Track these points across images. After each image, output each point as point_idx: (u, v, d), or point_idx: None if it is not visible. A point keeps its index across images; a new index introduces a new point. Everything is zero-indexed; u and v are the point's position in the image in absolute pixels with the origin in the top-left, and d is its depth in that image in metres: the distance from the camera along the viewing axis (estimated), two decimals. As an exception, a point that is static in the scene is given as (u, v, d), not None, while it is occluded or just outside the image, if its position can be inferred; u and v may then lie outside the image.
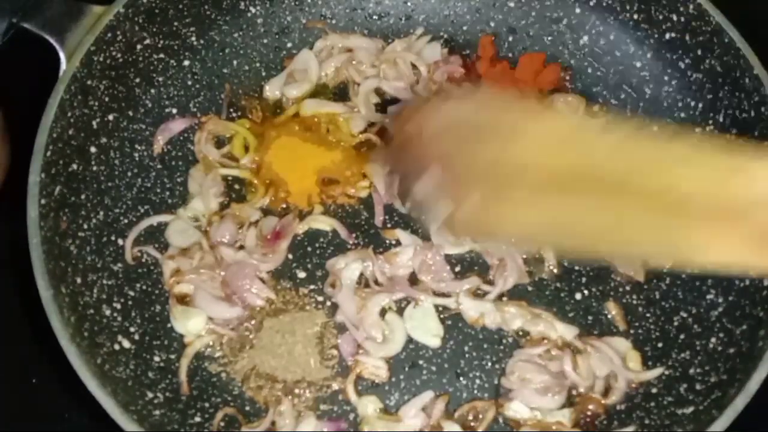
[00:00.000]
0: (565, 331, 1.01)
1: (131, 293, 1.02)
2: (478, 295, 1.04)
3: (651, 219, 0.56)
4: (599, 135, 0.61)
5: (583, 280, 1.06)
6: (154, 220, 1.08)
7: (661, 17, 1.13)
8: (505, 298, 1.04)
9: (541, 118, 0.66)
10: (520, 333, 1.02)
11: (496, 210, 0.61)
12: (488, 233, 0.64)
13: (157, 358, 0.99)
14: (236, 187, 1.13)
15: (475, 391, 0.99)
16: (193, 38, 1.17)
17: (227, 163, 1.14)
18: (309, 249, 1.08)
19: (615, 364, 0.98)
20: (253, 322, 1.02)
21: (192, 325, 1.01)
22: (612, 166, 0.57)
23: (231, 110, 1.18)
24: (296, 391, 0.98)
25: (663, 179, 0.55)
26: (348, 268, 1.04)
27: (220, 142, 1.16)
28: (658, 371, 0.99)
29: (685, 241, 0.57)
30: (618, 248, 0.72)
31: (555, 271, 1.06)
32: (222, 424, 0.95)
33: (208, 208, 1.10)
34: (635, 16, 1.17)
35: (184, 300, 1.03)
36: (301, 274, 1.06)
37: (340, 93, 1.21)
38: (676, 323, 1.03)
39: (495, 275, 1.05)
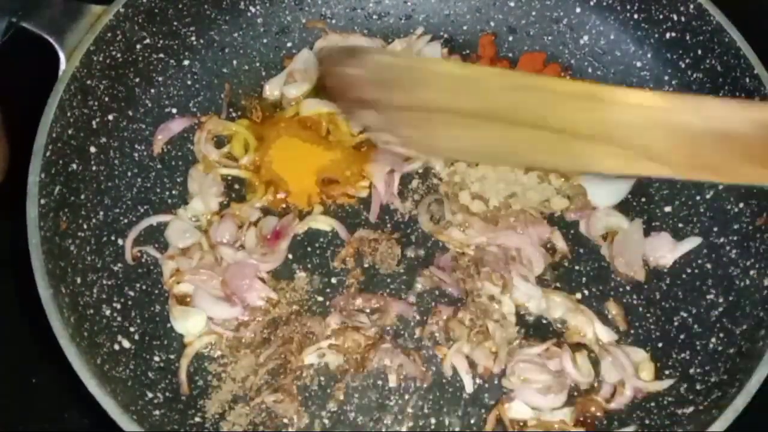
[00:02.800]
0: (604, 333, 1.02)
1: (131, 293, 1.02)
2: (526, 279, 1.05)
3: (547, 140, 0.68)
4: (492, 79, 0.73)
5: (584, 280, 1.06)
6: (154, 220, 1.08)
7: (661, 17, 1.13)
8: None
9: (442, 67, 0.81)
10: (559, 323, 1.03)
11: (427, 135, 0.75)
12: (426, 150, 0.82)
13: (156, 358, 0.99)
14: (236, 187, 1.13)
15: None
16: (193, 38, 1.17)
17: (227, 163, 1.14)
18: (309, 249, 1.08)
19: (626, 372, 0.98)
20: (254, 322, 1.02)
21: (192, 325, 1.01)
22: (507, 100, 0.69)
23: (231, 110, 1.18)
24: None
25: (547, 108, 0.67)
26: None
27: (219, 142, 1.16)
28: (668, 383, 0.98)
29: (579, 155, 0.68)
30: (529, 162, 0.86)
31: (565, 262, 1.07)
32: (221, 423, 0.96)
33: (208, 208, 1.10)
34: (635, 16, 1.17)
35: (184, 300, 1.03)
36: (301, 274, 1.06)
37: (340, 93, 1.21)
38: (676, 323, 1.03)
39: (518, 264, 1.06)
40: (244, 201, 1.11)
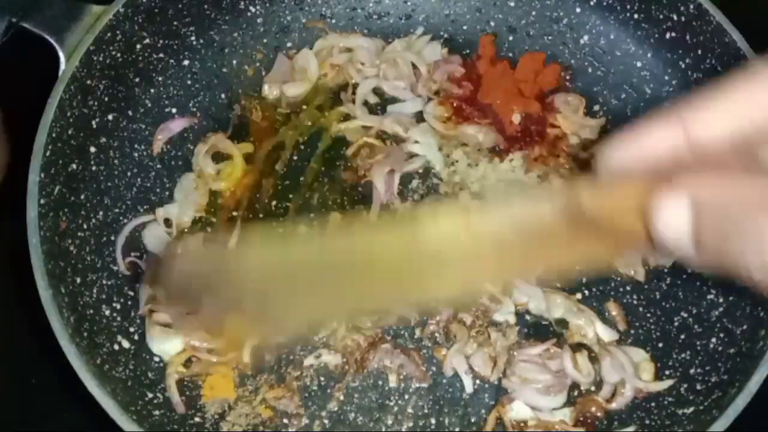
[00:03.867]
0: (605, 333, 1.02)
1: (131, 293, 1.02)
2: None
3: (379, 285, 0.65)
4: (305, 244, 0.72)
5: (584, 279, 1.06)
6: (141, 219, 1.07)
7: (661, 16, 1.13)
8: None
9: (255, 250, 0.74)
10: (559, 323, 1.03)
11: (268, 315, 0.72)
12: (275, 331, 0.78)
13: (156, 359, 0.99)
14: (219, 201, 1.11)
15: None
16: (193, 38, 1.17)
17: (217, 180, 1.12)
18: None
19: (626, 373, 0.98)
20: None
21: (170, 347, 0.98)
22: (330, 260, 0.65)
23: (234, 121, 1.17)
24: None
25: (368, 258, 0.63)
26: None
27: (218, 157, 1.14)
28: (668, 383, 0.98)
29: (416, 290, 0.67)
30: (372, 309, 0.86)
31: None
32: (221, 424, 0.96)
33: (180, 219, 1.08)
34: (635, 16, 1.17)
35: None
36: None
37: (340, 93, 1.21)
38: (676, 323, 1.03)
39: None
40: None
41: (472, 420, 0.97)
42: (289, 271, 0.67)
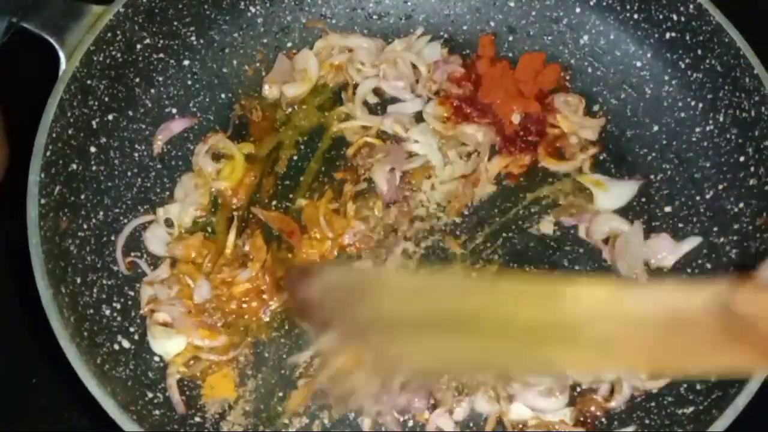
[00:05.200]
0: None
1: (131, 293, 1.02)
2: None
3: (508, 346, 0.64)
4: (446, 283, 0.71)
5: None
6: (142, 219, 1.07)
7: (661, 17, 1.13)
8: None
9: (396, 277, 0.79)
10: None
11: (387, 352, 0.70)
12: (389, 371, 0.75)
13: (156, 358, 0.99)
14: (219, 201, 1.11)
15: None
16: (193, 38, 1.17)
17: (218, 180, 1.11)
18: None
19: None
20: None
21: (172, 347, 0.98)
22: (466, 307, 0.65)
23: (236, 124, 1.17)
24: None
25: (505, 313, 0.63)
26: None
27: (218, 156, 1.14)
28: (665, 381, 0.97)
29: (544, 359, 0.64)
30: (493, 370, 0.83)
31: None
32: (221, 423, 0.96)
33: (181, 219, 1.08)
34: (635, 16, 1.17)
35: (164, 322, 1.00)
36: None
37: (340, 93, 1.21)
38: (676, 323, 1.03)
39: None
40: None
41: (472, 421, 0.97)
42: (422, 309, 0.66)
